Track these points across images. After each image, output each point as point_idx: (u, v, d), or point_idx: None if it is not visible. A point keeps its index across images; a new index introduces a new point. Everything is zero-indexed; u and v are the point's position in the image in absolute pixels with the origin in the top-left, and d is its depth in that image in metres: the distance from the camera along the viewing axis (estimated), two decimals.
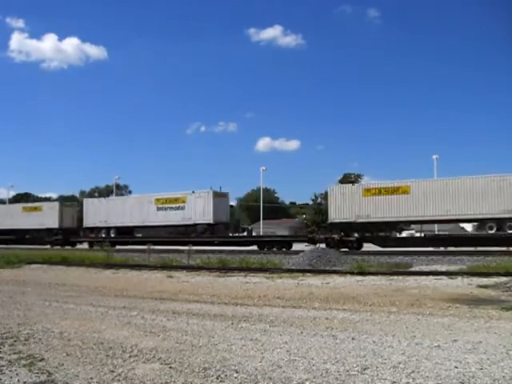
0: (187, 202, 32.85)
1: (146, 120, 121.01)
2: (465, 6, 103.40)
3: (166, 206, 33.83)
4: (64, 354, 5.60)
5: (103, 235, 36.25)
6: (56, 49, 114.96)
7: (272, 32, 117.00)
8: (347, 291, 11.13)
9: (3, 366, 5.16)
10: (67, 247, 35.78)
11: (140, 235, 36.72)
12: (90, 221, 37.55)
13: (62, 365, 5.16)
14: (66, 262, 21.79)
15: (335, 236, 27.80)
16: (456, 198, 25.51)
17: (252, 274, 15.39)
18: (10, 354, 5.63)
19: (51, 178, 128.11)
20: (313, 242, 28.70)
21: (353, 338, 6.28)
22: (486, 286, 11.29)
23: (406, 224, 27.91)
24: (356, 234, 28.23)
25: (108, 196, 51.69)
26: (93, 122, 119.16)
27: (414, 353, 5.47)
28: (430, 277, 13.29)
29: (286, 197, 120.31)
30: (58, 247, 35.55)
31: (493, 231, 25.22)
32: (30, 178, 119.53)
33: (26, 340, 6.39)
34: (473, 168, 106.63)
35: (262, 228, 47.48)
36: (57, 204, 41.17)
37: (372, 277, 13.76)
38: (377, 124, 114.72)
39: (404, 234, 39.51)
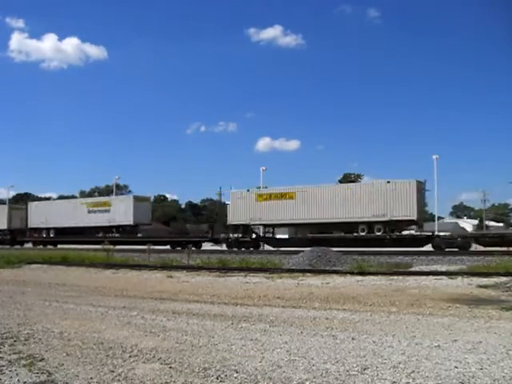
0: (112, 206, 37.83)
1: (146, 120, 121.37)
2: (465, 6, 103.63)
3: (95, 209, 38.65)
4: (64, 354, 5.60)
5: (44, 235, 41.04)
6: (56, 49, 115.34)
7: (272, 32, 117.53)
8: (347, 291, 11.13)
9: (3, 366, 5.15)
10: (17, 246, 40.16)
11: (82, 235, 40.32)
12: (33, 222, 41.75)
13: (62, 365, 5.16)
14: (66, 262, 21.81)
15: (232, 237, 30.97)
16: (334, 203, 28.44)
17: (252, 274, 15.38)
18: (10, 354, 5.62)
19: (51, 178, 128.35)
20: (216, 242, 32.19)
21: (353, 338, 6.28)
22: (486, 286, 11.28)
23: (292, 226, 31.07)
24: (253, 235, 31.36)
25: (108, 196, 52.46)
26: (93, 122, 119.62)
27: (414, 353, 5.46)
28: (430, 277, 13.28)
29: None
30: (8, 246, 39.47)
31: (364, 233, 28.01)
32: (30, 178, 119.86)
33: (26, 340, 6.39)
34: (473, 168, 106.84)
35: (261, 228, 47.32)
36: (6, 207, 45.49)
37: (372, 277, 13.75)
38: (377, 124, 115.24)
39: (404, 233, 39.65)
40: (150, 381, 4.61)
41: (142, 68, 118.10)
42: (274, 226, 31.16)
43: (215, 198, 71.06)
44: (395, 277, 13.57)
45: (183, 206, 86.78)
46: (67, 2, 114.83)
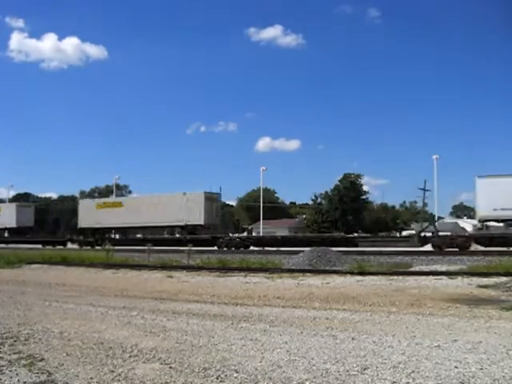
0: (1, 211, 45.55)
1: (146, 120, 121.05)
2: (464, 6, 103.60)
3: None
4: (64, 354, 5.60)
5: None
6: (56, 49, 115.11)
7: (272, 32, 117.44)
8: (347, 291, 11.13)
9: (3, 366, 5.16)
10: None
11: None
12: None
13: (62, 365, 5.16)
14: (66, 262, 21.79)
15: (80, 238, 38.60)
16: (147, 210, 35.06)
17: (252, 274, 15.37)
18: (10, 354, 5.63)
19: (51, 178, 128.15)
20: (73, 241, 38.95)
21: (353, 338, 6.28)
22: (486, 286, 11.28)
23: (123, 229, 38.19)
24: (96, 236, 37.47)
25: (108, 196, 53.72)
26: (93, 122, 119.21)
27: (414, 353, 5.46)
28: (430, 277, 13.28)
29: (286, 197, 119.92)
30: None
31: (168, 235, 36.18)
32: (30, 178, 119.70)
33: (26, 340, 6.40)
34: (474, 166, 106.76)
35: (261, 228, 47.42)
36: None
37: (372, 277, 13.74)
38: (377, 124, 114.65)
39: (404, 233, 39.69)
40: (150, 381, 4.61)
41: (142, 68, 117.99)
42: (110, 229, 38.19)
43: None
44: (395, 277, 13.57)
45: None
46: (67, 2, 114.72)
